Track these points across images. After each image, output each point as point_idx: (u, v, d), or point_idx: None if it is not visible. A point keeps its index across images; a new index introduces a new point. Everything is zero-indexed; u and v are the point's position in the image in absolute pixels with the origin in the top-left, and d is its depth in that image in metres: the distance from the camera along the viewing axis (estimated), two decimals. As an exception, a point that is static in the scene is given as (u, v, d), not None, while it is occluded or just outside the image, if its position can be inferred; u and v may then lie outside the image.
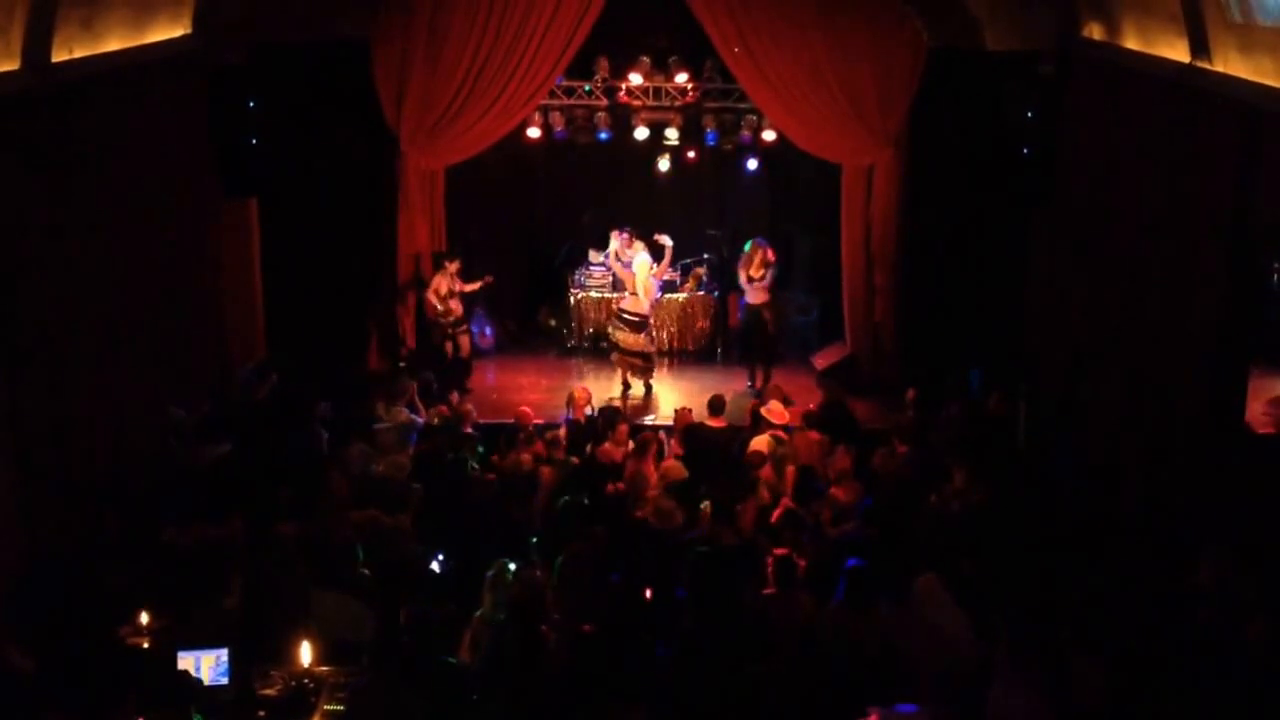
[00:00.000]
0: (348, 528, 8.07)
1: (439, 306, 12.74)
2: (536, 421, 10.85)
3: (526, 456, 9.96)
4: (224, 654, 6.56)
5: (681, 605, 7.24)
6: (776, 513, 8.89)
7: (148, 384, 9.61)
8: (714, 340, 14.62)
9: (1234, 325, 8.22)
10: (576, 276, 14.79)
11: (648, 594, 7.41)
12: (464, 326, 13.06)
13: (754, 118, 13.63)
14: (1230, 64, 8.13)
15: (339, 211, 12.75)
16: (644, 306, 12.83)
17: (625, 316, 12.85)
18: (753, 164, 14.81)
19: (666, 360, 14.25)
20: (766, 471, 9.70)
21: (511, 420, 10.92)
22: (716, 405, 10.85)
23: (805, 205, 15.13)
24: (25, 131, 7.83)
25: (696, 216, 15.08)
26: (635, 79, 13.65)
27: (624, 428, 10.39)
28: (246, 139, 11.17)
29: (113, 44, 8.91)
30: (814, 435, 10.33)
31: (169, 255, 10.19)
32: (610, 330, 13.16)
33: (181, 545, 7.88)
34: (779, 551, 7.69)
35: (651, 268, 12.81)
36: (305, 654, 6.70)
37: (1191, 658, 6.34)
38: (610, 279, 14.25)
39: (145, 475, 8.90)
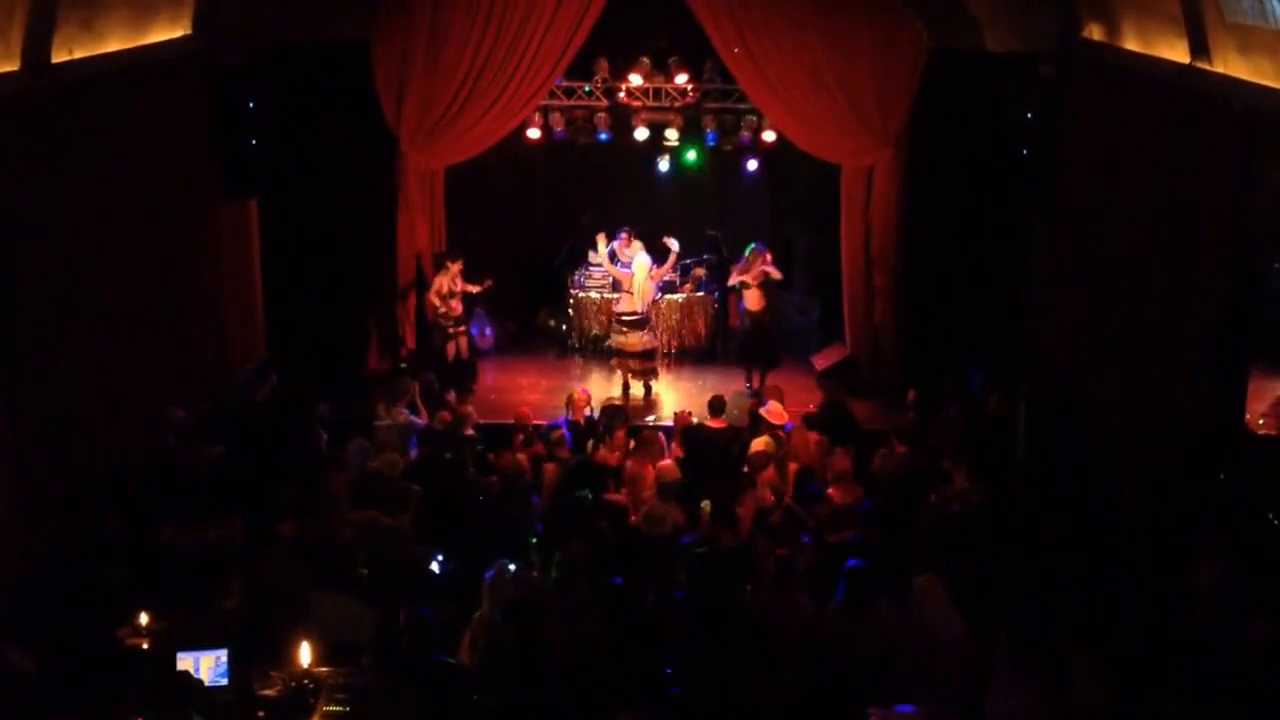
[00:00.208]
0: (347, 528, 8.07)
1: (440, 307, 12.73)
2: (537, 422, 10.85)
3: (525, 457, 9.96)
4: (224, 655, 6.56)
5: (681, 606, 7.24)
6: (776, 513, 8.89)
7: (148, 384, 9.61)
8: (713, 341, 14.61)
9: (1234, 325, 8.22)
10: (576, 277, 14.78)
11: (648, 596, 7.42)
12: (464, 327, 13.06)
13: (754, 118, 13.62)
14: (1230, 65, 8.14)
15: (339, 211, 12.76)
16: (638, 306, 12.81)
17: (625, 319, 12.83)
18: (753, 164, 14.82)
19: (666, 361, 14.24)
20: (770, 473, 9.70)
21: (511, 421, 10.92)
22: (716, 406, 10.85)
23: (805, 206, 15.14)
24: (25, 132, 7.83)
25: (696, 217, 15.08)
26: (635, 80, 13.64)
27: (621, 433, 10.37)
28: (246, 139, 11.19)
29: (113, 44, 8.91)
30: (813, 436, 10.33)
31: (169, 255, 10.19)
32: (612, 336, 13.09)
33: (181, 546, 7.88)
34: (781, 552, 7.69)
35: (650, 269, 12.79)
36: (305, 655, 6.69)
37: (1191, 658, 6.34)
38: (610, 279, 14.24)
39: (145, 475, 8.89)
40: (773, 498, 9.50)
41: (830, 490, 9.25)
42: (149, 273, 9.73)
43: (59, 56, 8.12)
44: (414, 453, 10.20)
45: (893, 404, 11.87)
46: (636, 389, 12.97)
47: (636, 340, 12.79)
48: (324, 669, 6.70)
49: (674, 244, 12.73)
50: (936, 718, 6.45)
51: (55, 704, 6.08)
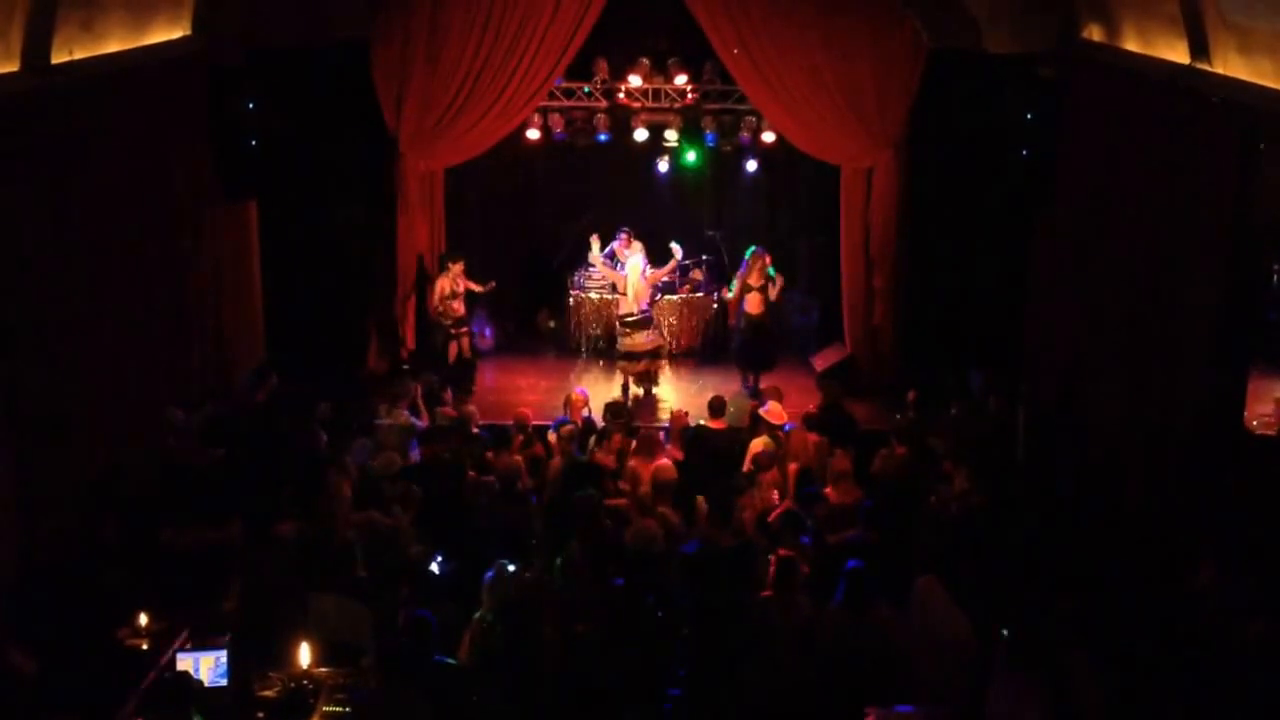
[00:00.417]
0: (346, 529, 8.07)
1: (441, 307, 12.73)
2: (536, 423, 10.84)
3: (521, 458, 9.94)
4: (223, 655, 6.56)
5: (680, 608, 7.24)
6: (775, 514, 8.88)
7: (148, 384, 9.61)
8: (712, 341, 14.60)
9: (1234, 325, 8.21)
10: (576, 278, 14.78)
11: (648, 596, 7.41)
12: (465, 328, 13.06)
13: (753, 119, 13.63)
14: (1230, 65, 8.14)
15: (339, 212, 12.76)
16: (635, 307, 12.79)
17: (627, 320, 12.82)
18: (752, 165, 14.82)
19: (666, 361, 14.22)
20: (773, 474, 9.69)
21: (511, 422, 10.91)
22: (716, 407, 10.83)
23: (804, 207, 15.14)
24: (25, 132, 7.83)
25: (696, 218, 15.07)
26: (634, 81, 13.65)
27: (618, 437, 10.35)
28: (246, 140, 11.18)
29: (112, 45, 8.92)
30: (813, 437, 10.32)
31: (169, 256, 10.19)
32: (619, 340, 13.04)
33: (180, 547, 7.88)
34: (782, 553, 7.68)
35: (644, 271, 12.77)
36: (304, 655, 6.70)
37: (1191, 658, 6.34)
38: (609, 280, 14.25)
39: (145, 476, 8.89)
40: (777, 498, 9.49)
41: (829, 491, 9.24)
42: (149, 273, 9.72)
43: (59, 57, 8.12)
44: (414, 454, 10.19)
45: (892, 404, 11.88)
46: (637, 390, 12.96)
47: (643, 339, 12.78)
48: (323, 670, 6.71)
49: (678, 251, 12.71)
50: (936, 718, 6.45)
51: (55, 704, 6.08)
